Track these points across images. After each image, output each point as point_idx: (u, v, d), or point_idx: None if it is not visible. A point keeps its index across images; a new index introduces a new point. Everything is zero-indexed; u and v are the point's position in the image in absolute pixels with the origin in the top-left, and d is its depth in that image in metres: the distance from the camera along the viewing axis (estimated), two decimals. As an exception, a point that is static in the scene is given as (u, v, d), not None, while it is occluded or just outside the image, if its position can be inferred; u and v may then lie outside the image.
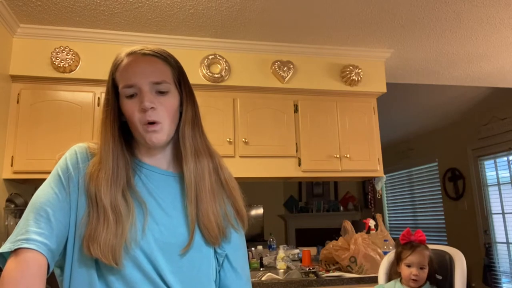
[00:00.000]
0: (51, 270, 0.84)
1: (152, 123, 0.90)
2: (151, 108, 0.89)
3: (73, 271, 0.86)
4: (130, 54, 0.94)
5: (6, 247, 0.81)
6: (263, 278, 2.47)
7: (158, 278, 0.87)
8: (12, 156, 2.43)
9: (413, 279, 1.73)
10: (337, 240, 2.74)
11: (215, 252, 0.98)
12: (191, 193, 0.94)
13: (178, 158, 0.99)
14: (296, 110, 2.91)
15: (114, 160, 0.90)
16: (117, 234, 0.84)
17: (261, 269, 2.83)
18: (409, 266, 1.76)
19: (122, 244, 0.84)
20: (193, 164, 0.96)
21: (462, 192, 5.34)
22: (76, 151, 0.95)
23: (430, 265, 1.75)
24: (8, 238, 0.83)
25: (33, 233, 0.82)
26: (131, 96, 0.91)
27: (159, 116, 0.91)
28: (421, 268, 1.74)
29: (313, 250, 3.13)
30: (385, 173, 3.03)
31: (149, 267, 0.86)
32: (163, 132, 0.92)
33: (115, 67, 0.94)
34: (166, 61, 0.95)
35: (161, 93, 0.92)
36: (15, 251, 0.80)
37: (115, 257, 0.83)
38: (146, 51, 0.94)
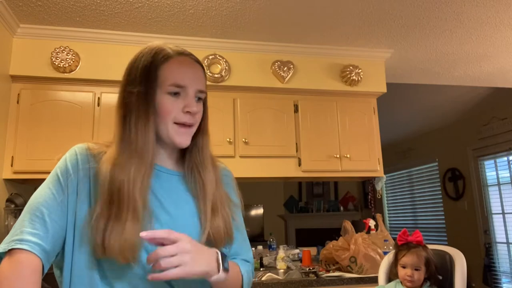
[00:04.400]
0: (46, 270, 0.84)
1: (189, 125, 0.93)
2: (196, 113, 0.94)
3: (73, 274, 0.85)
4: (181, 54, 0.95)
5: (0, 247, 0.81)
6: (263, 278, 2.47)
7: None
8: (12, 156, 2.43)
9: (408, 280, 1.73)
10: (337, 240, 2.74)
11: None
12: (209, 200, 0.95)
13: (181, 159, 1.01)
14: (296, 110, 2.91)
15: (152, 156, 0.90)
16: (137, 231, 0.81)
17: (261, 269, 2.82)
18: (404, 267, 1.75)
19: (141, 241, 0.82)
20: (212, 173, 0.98)
21: (462, 192, 5.34)
22: (76, 152, 0.92)
23: (429, 265, 1.74)
24: (4, 239, 0.83)
25: (27, 233, 0.81)
26: (174, 95, 0.92)
27: (196, 121, 0.95)
28: (416, 269, 1.72)
29: (313, 250, 3.13)
30: (385, 173, 3.03)
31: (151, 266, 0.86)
32: (191, 135, 0.95)
33: (162, 60, 0.92)
34: (204, 72, 0.99)
35: (199, 100, 0.96)
36: (9, 252, 0.80)
37: (133, 254, 0.82)
38: (194, 58, 0.98)
